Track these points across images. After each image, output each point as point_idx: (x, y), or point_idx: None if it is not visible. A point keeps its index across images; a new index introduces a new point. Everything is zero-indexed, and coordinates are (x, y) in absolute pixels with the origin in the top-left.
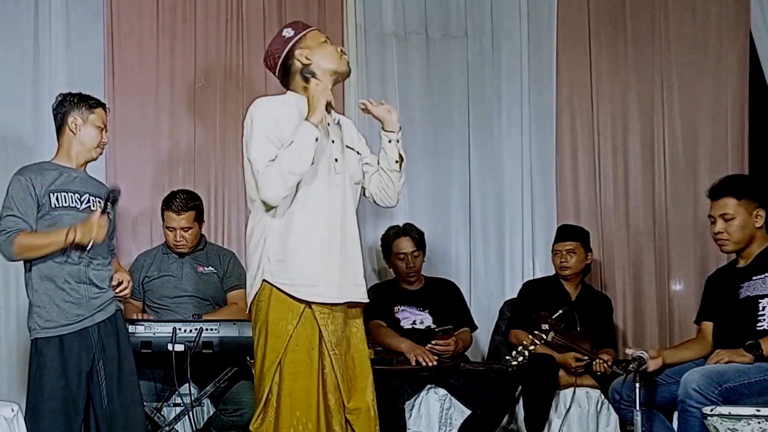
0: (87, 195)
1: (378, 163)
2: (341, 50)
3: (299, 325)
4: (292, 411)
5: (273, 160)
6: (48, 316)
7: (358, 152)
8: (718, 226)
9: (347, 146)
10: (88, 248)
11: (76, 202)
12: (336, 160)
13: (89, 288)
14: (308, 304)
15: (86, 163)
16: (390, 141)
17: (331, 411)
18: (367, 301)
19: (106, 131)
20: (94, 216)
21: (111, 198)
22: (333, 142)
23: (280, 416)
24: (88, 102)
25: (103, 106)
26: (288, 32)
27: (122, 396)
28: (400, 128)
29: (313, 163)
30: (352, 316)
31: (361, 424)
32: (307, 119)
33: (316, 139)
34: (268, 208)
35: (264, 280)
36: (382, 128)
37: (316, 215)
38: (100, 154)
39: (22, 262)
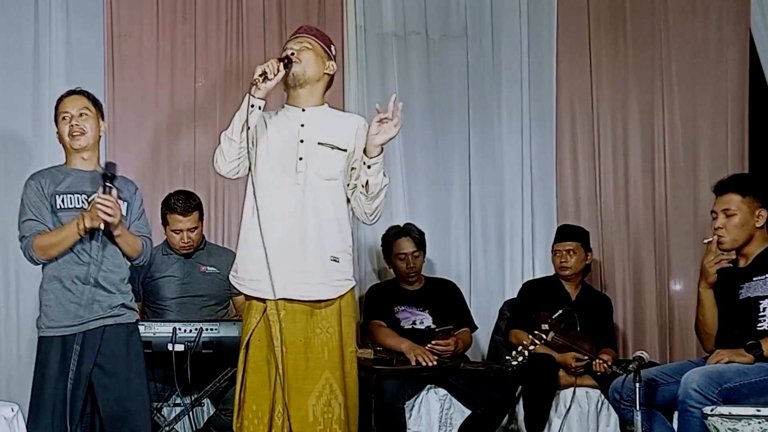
0: (96, 194)
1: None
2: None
3: (261, 322)
4: (249, 404)
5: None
6: (53, 315)
7: (338, 148)
8: (719, 221)
9: (320, 143)
10: (101, 230)
11: (82, 202)
12: (300, 158)
13: (95, 290)
14: (265, 302)
15: (90, 157)
16: (364, 163)
17: (274, 405)
18: (316, 299)
19: (80, 115)
20: (96, 198)
21: (108, 176)
22: (302, 141)
23: (243, 409)
24: (55, 106)
25: (65, 95)
26: None
27: (126, 399)
28: (381, 153)
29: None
30: (320, 318)
31: (297, 427)
32: None
33: (253, 107)
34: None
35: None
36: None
37: (268, 213)
38: (80, 139)
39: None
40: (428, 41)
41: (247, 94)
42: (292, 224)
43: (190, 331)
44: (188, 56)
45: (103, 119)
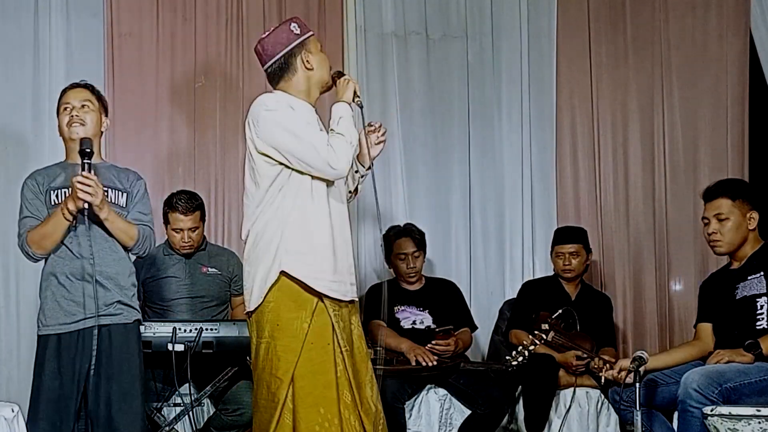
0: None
1: None
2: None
3: (313, 322)
4: (316, 408)
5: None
6: (49, 313)
7: None
8: (712, 227)
9: None
10: (85, 210)
11: None
12: None
13: (89, 286)
14: (320, 299)
15: (86, 152)
16: (357, 171)
17: (348, 407)
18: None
19: (82, 107)
20: (75, 178)
21: (86, 152)
22: None
23: (300, 418)
24: (58, 98)
25: (69, 88)
26: (295, 28)
27: (116, 402)
28: (371, 167)
29: None
30: (352, 314)
31: (366, 419)
32: (339, 100)
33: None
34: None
35: (282, 272)
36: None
37: (325, 211)
38: (78, 129)
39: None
40: (428, 41)
41: (345, 105)
42: (341, 225)
43: (190, 331)
44: (188, 56)
45: (106, 115)
